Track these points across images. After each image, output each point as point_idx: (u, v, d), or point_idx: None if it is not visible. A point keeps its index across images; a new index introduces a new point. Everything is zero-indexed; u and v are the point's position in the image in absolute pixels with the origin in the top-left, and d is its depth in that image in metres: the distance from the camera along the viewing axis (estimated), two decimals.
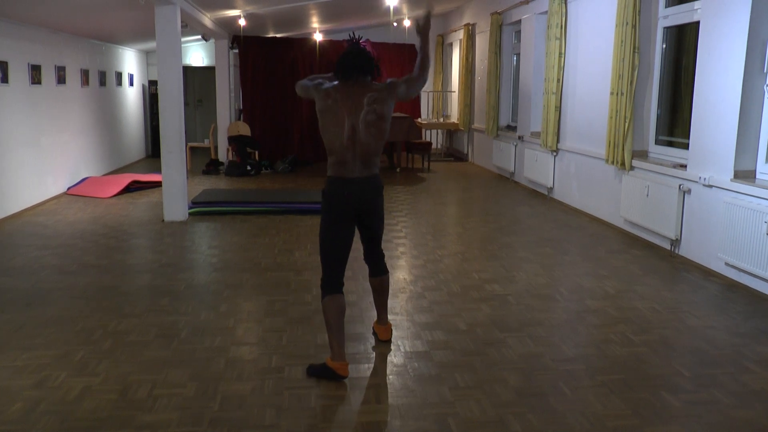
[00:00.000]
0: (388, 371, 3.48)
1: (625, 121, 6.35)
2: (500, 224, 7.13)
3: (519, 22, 10.08)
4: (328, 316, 3.38)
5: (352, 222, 3.45)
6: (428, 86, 14.66)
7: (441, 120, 13.93)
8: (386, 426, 2.93)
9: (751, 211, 4.72)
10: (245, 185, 9.81)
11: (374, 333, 3.93)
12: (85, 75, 9.84)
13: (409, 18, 13.03)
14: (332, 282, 3.43)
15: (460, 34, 12.92)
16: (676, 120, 6.41)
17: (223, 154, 12.20)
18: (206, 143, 12.19)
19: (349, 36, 3.53)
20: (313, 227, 6.90)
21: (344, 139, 3.32)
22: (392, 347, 3.78)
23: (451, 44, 14.31)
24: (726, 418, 3.00)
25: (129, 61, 12.58)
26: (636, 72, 6.23)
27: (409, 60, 14.27)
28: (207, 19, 9.58)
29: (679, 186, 5.61)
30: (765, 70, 4.90)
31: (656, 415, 3.03)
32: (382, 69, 13.58)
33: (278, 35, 13.59)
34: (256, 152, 11.69)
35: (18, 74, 7.57)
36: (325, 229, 3.43)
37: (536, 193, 9.14)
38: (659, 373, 3.47)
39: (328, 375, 3.35)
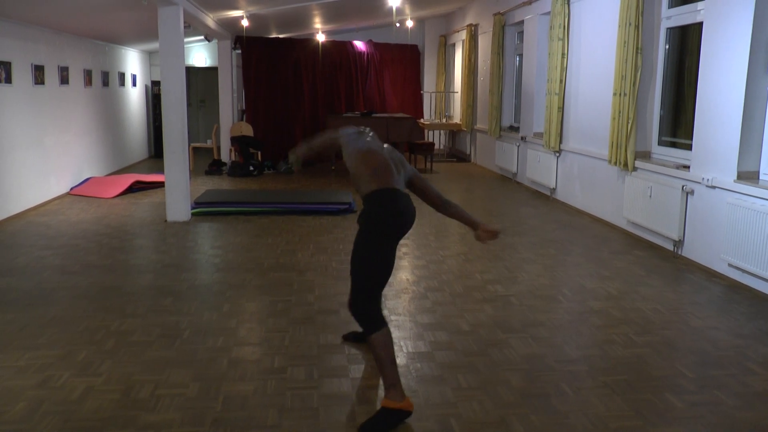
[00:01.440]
0: None
1: (627, 122, 6.34)
2: (503, 225, 7.12)
3: (522, 22, 10.08)
4: (388, 350, 2.99)
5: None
6: (431, 87, 14.66)
7: (444, 121, 13.93)
8: (391, 425, 2.93)
9: (755, 212, 4.71)
10: (248, 186, 9.82)
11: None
12: (88, 75, 9.85)
13: (411, 18, 13.04)
14: (380, 312, 3.11)
15: (463, 35, 12.91)
16: (679, 121, 6.40)
17: (226, 154, 12.21)
18: (209, 144, 12.20)
19: None
20: (315, 227, 6.90)
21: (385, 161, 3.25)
22: (395, 348, 3.77)
23: (453, 45, 14.31)
24: (729, 420, 2.99)
25: (132, 61, 12.60)
26: (639, 73, 6.22)
27: (410, 60, 14.29)
28: (210, 20, 9.59)
29: (682, 187, 5.60)
30: None
31: (659, 416, 3.03)
32: (385, 69, 13.54)
33: (281, 36, 13.61)
34: (259, 152, 11.71)
35: (21, 74, 7.59)
36: (375, 252, 3.09)
37: (539, 193, 9.13)
38: (662, 374, 3.46)
39: (397, 419, 2.91)
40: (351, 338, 3.87)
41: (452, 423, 2.94)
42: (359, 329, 3.83)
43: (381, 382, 3.23)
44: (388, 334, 3.01)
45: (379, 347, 2.98)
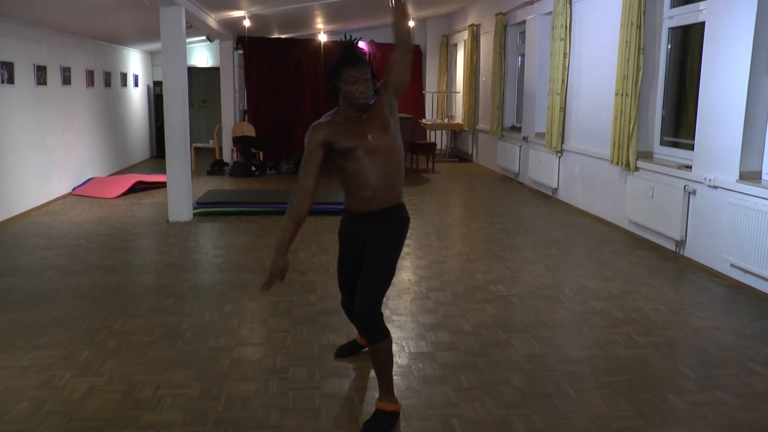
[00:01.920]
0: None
1: (630, 122, 6.34)
2: (505, 225, 7.12)
3: (524, 22, 10.08)
4: (391, 356, 2.97)
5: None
6: (433, 87, 14.66)
7: (445, 121, 13.93)
8: (391, 426, 2.93)
9: (757, 212, 4.70)
10: (250, 186, 9.83)
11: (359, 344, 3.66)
12: (90, 76, 9.87)
13: (413, 18, 13.02)
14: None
15: (465, 35, 12.91)
16: (681, 121, 6.39)
17: (228, 154, 12.22)
18: (211, 144, 12.21)
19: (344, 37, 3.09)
20: (317, 228, 6.91)
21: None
22: (397, 348, 3.78)
23: (455, 45, 14.31)
24: (731, 420, 2.99)
25: (134, 61, 12.61)
26: (641, 73, 6.22)
27: (413, 61, 14.27)
28: (212, 20, 9.60)
29: (684, 187, 5.59)
30: None
31: (661, 416, 3.02)
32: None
33: (283, 36, 13.61)
34: (261, 153, 11.71)
35: (24, 75, 7.60)
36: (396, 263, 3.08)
37: (541, 194, 9.13)
38: (664, 374, 3.46)
39: (395, 420, 2.95)
40: (347, 352, 3.63)
41: (454, 423, 2.94)
42: (346, 340, 3.78)
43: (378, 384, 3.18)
44: (391, 339, 2.97)
45: (386, 353, 2.93)
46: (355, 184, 2.96)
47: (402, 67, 2.97)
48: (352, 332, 3.96)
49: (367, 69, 2.91)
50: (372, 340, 2.90)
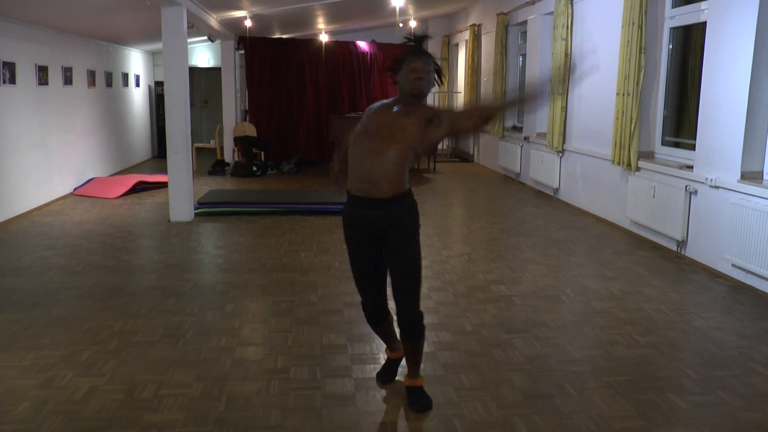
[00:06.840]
0: None
1: (631, 122, 6.33)
2: (506, 225, 7.12)
3: (525, 22, 10.07)
4: None
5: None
6: (434, 87, 14.62)
7: None
8: (392, 427, 2.93)
9: (758, 212, 4.70)
10: (251, 186, 9.83)
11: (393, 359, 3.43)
12: (91, 76, 9.87)
13: (414, 18, 13.04)
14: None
15: (466, 35, 12.91)
16: (682, 121, 6.39)
17: (229, 154, 12.22)
18: (212, 144, 12.21)
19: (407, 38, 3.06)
20: (318, 228, 6.91)
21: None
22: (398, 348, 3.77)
23: (456, 45, 14.31)
24: (733, 420, 2.99)
25: (135, 61, 12.61)
26: (642, 73, 6.21)
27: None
28: (213, 20, 9.60)
29: (686, 187, 5.59)
30: None
31: (663, 416, 3.02)
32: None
33: (284, 36, 13.62)
34: (262, 153, 11.72)
35: (25, 75, 7.60)
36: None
37: (542, 194, 9.12)
38: (665, 374, 3.46)
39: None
40: (389, 377, 3.37)
41: (455, 423, 2.94)
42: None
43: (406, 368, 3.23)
44: None
45: (424, 340, 3.11)
46: (349, 160, 2.97)
47: (472, 125, 2.95)
48: (354, 332, 3.96)
49: (430, 63, 2.94)
50: (420, 335, 3.03)
